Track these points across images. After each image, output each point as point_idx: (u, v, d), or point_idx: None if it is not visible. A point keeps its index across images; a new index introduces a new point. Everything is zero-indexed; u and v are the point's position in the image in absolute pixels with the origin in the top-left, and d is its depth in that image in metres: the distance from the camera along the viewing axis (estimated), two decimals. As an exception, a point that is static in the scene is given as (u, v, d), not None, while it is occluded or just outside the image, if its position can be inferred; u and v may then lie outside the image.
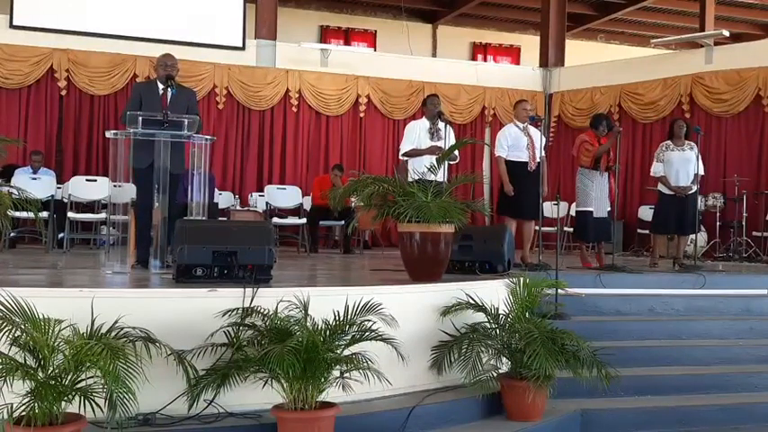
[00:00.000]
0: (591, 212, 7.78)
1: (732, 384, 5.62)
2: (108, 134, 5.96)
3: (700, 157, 8.18)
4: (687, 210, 8.13)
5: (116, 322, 3.55)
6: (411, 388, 4.60)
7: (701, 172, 8.27)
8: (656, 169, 8.24)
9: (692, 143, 8.22)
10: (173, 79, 6.04)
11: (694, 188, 8.17)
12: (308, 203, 10.84)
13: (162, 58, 6.20)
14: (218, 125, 11.77)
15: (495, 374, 4.70)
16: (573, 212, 11.91)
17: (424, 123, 7.21)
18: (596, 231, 7.86)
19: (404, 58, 13.35)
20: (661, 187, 8.29)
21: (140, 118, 5.54)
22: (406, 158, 7.16)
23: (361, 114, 12.80)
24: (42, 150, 10.40)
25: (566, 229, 11.27)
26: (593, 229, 7.82)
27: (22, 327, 3.25)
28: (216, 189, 10.64)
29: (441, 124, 7.11)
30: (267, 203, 10.72)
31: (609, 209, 7.91)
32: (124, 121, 5.85)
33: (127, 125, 5.65)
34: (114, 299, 3.99)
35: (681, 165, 8.11)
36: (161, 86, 6.10)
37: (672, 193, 8.14)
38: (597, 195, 7.80)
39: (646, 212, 11.55)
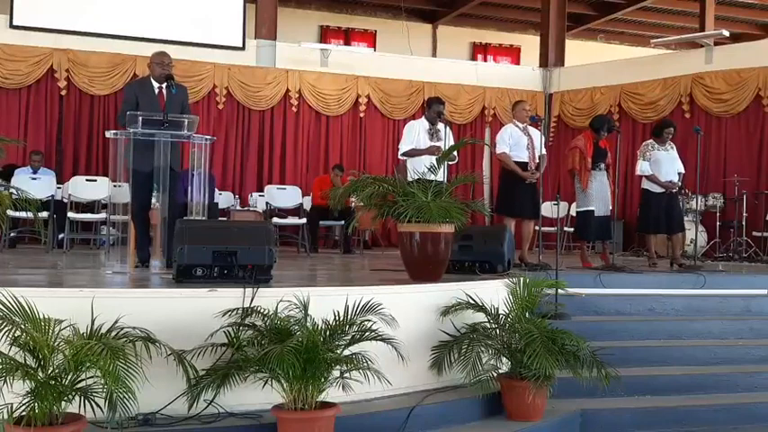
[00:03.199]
0: (592, 212, 7.78)
1: (732, 384, 5.62)
2: (108, 134, 5.95)
3: (678, 156, 8.32)
4: (674, 208, 8.22)
5: (116, 322, 3.55)
6: (411, 388, 4.60)
7: (683, 170, 8.37)
8: (645, 168, 8.22)
9: (672, 143, 8.33)
10: (173, 79, 5.98)
11: (679, 185, 8.29)
12: (308, 203, 10.84)
13: (158, 56, 6.08)
14: (218, 125, 11.77)
15: (495, 374, 4.70)
16: (573, 212, 11.98)
17: (423, 123, 7.20)
18: (598, 230, 7.86)
19: (404, 58, 13.36)
20: (649, 185, 8.25)
21: (140, 118, 5.53)
22: (405, 158, 7.16)
23: (361, 114, 12.81)
24: (42, 150, 10.41)
25: (566, 229, 11.27)
26: (594, 229, 7.82)
27: (22, 327, 3.25)
28: (216, 189, 10.64)
29: (440, 125, 7.11)
30: (267, 203, 10.72)
31: (611, 207, 7.91)
32: (122, 123, 5.82)
33: (126, 125, 5.63)
34: (114, 299, 3.99)
35: (669, 163, 8.19)
36: (156, 85, 6.04)
37: (661, 191, 8.16)
38: (598, 194, 7.80)
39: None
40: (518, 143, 7.49)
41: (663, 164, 8.15)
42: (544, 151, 7.62)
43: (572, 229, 11.16)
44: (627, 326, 6.26)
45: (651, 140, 8.34)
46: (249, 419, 3.89)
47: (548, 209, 11.00)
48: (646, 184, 8.28)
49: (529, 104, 7.86)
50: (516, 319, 4.78)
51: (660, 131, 8.28)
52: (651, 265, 8.33)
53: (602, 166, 7.84)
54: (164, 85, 5.99)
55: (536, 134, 7.49)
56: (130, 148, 5.62)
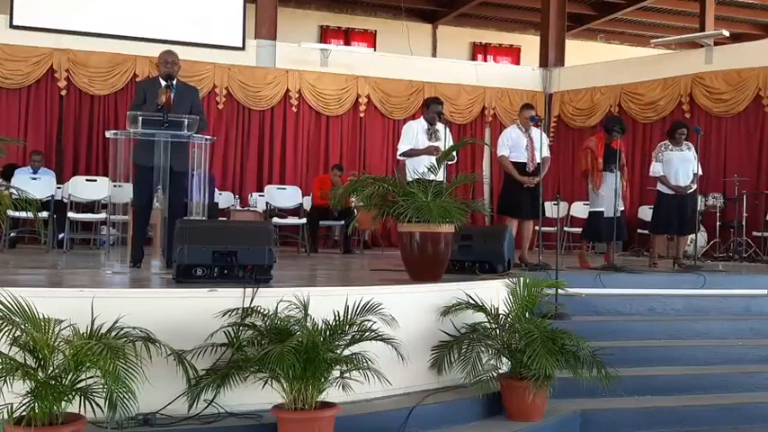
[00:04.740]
0: (602, 213, 7.77)
1: (732, 384, 5.62)
2: (108, 134, 5.97)
3: (697, 156, 8.20)
4: (686, 209, 8.16)
5: (116, 322, 3.55)
6: (411, 388, 4.60)
7: (699, 171, 8.28)
8: (656, 169, 8.23)
9: (690, 143, 8.25)
10: (173, 78, 6.00)
11: (694, 187, 8.20)
12: (308, 203, 10.84)
13: (163, 55, 6.14)
14: (218, 125, 11.76)
15: (495, 374, 4.70)
16: (573, 213, 12.00)
17: (421, 124, 7.20)
18: (608, 231, 7.85)
19: (404, 58, 13.35)
20: (661, 187, 8.27)
21: (140, 118, 5.54)
22: (404, 159, 7.16)
23: (361, 114, 12.80)
24: (42, 150, 10.40)
25: (566, 229, 11.27)
26: (605, 230, 7.80)
27: (22, 327, 3.25)
28: (216, 189, 10.64)
29: (439, 125, 7.11)
30: (267, 203, 10.73)
31: (622, 208, 7.87)
32: None
33: (127, 124, 5.65)
34: (114, 299, 3.99)
35: (680, 164, 8.13)
36: (163, 84, 6.05)
37: (672, 192, 8.13)
38: (608, 195, 7.77)
39: (646, 212, 11.54)
40: (517, 144, 7.51)
41: (673, 164, 8.12)
42: (547, 153, 7.63)
43: (572, 230, 11.23)
44: (627, 326, 6.27)
45: (666, 141, 8.32)
46: (249, 419, 3.89)
47: (548, 209, 10.99)
48: (659, 185, 8.30)
49: (534, 111, 7.77)
50: (516, 319, 4.78)
51: (673, 132, 8.26)
52: (651, 264, 8.33)
53: (613, 167, 7.75)
54: (167, 84, 6.00)
55: (538, 135, 7.49)
56: (132, 145, 5.65)
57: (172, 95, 5.95)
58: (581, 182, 8.03)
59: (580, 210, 11.60)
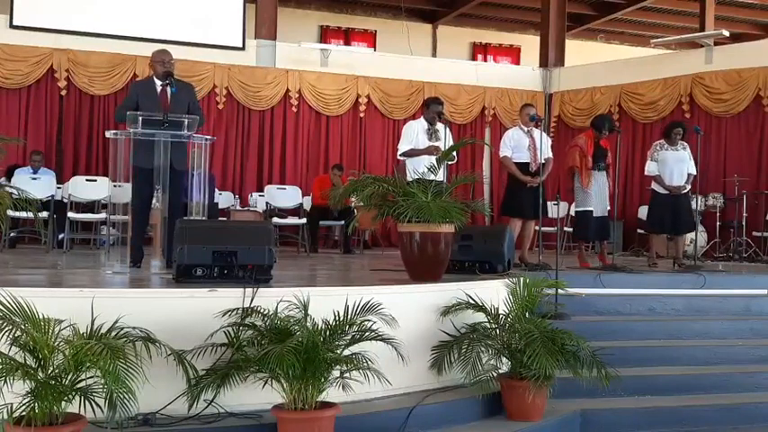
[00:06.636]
0: (591, 212, 7.79)
1: (732, 384, 5.62)
2: (108, 134, 5.96)
3: (691, 156, 8.21)
4: (681, 209, 8.17)
5: (116, 322, 3.55)
6: (411, 388, 4.60)
7: (694, 172, 8.28)
8: (651, 168, 8.24)
9: (685, 143, 8.27)
10: (172, 76, 5.97)
11: (687, 188, 8.21)
12: (308, 203, 10.85)
13: (159, 55, 6.08)
14: (218, 125, 11.77)
15: (495, 374, 4.70)
16: (573, 212, 11.98)
17: (421, 124, 7.20)
18: (596, 230, 7.87)
19: (404, 58, 13.35)
20: (655, 186, 8.28)
21: (140, 118, 5.54)
22: (404, 159, 7.16)
23: (361, 114, 12.80)
24: (42, 150, 10.41)
25: (566, 229, 11.27)
26: (593, 229, 7.83)
27: (22, 327, 3.25)
28: (216, 189, 10.64)
29: (439, 125, 7.11)
30: (267, 203, 10.73)
31: (609, 208, 7.91)
32: (117, 118, 5.87)
33: (127, 124, 5.64)
34: (114, 299, 3.99)
35: (675, 164, 8.14)
36: (158, 84, 6.02)
37: (666, 191, 8.15)
38: (596, 194, 7.80)
39: (646, 212, 11.53)
40: (519, 144, 7.53)
41: (668, 164, 8.13)
42: (550, 154, 7.65)
43: (571, 230, 11.20)
44: (627, 326, 6.26)
45: (662, 140, 8.32)
46: (249, 419, 3.89)
47: (548, 209, 10.97)
48: (653, 185, 8.30)
49: (534, 109, 7.79)
50: (516, 319, 4.78)
51: (669, 132, 8.26)
52: (651, 265, 8.33)
53: (602, 165, 7.84)
54: (166, 83, 5.97)
55: (539, 135, 7.50)
56: (131, 146, 5.65)
57: (169, 92, 5.92)
58: (567, 179, 8.05)
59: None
